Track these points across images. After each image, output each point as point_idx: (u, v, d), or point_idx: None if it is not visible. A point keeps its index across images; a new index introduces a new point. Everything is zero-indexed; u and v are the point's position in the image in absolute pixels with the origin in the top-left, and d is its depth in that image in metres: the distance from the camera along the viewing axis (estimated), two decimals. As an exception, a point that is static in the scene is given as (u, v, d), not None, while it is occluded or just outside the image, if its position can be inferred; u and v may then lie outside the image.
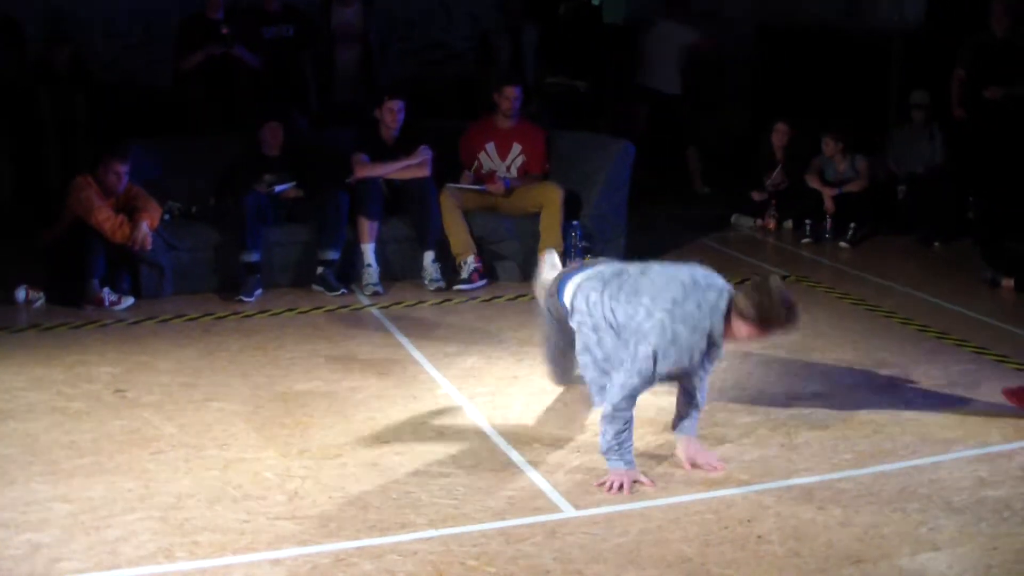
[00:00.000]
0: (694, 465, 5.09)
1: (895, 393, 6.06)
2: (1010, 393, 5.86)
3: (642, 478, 4.92)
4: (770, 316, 4.76)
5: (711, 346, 4.92)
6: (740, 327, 4.81)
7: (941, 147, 10.24)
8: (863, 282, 8.50)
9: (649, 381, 4.89)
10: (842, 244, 9.76)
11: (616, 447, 4.90)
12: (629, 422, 4.93)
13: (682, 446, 5.18)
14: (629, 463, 4.91)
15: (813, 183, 10.19)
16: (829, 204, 9.97)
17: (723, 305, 4.85)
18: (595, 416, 5.70)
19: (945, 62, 10.03)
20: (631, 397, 4.90)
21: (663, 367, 4.85)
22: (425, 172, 8.53)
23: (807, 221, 9.98)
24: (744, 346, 5.48)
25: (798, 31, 12.57)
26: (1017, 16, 9.43)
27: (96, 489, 4.88)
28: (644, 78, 11.77)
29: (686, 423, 5.19)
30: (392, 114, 8.54)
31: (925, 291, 8.13)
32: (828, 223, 9.95)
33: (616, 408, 4.88)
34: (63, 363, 6.60)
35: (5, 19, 10.06)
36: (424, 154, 8.54)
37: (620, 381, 4.90)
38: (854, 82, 11.81)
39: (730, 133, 12.45)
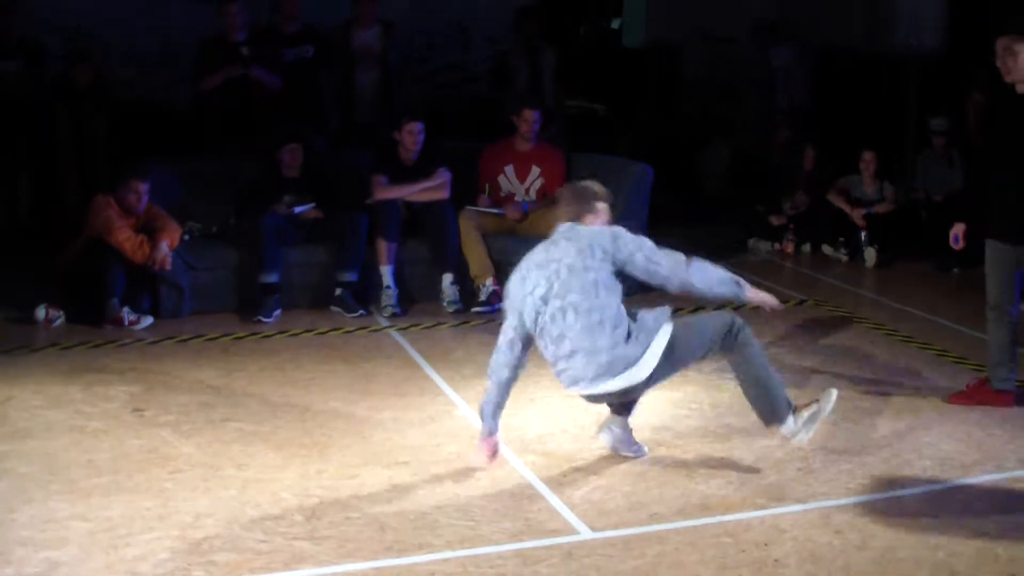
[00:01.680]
0: None
1: (913, 417, 6.04)
2: (956, 397, 6.26)
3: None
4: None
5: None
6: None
7: (960, 173, 10.24)
8: (881, 307, 8.49)
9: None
10: (867, 262, 9.84)
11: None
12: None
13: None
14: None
15: (838, 202, 10.21)
16: (861, 221, 10.00)
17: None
18: (612, 438, 5.71)
19: (963, 87, 10.03)
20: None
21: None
22: (444, 194, 8.56)
23: (841, 238, 10.00)
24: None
25: (817, 55, 12.56)
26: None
27: (114, 508, 4.90)
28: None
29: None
30: (412, 136, 8.57)
31: (944, 316, 8.12)
32: (863, 235, 9.98)
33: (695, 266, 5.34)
34: (82, 382, 6.63)
35: (26, 38, 10.13)
36: (443, 176, 8.57)
37: (654, 257, 5.27)
38: (874, 106, 11.81)
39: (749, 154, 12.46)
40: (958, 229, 6.35)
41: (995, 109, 6.61)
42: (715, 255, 10.01)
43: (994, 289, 6.26)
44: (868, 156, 10.29)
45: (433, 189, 8.54)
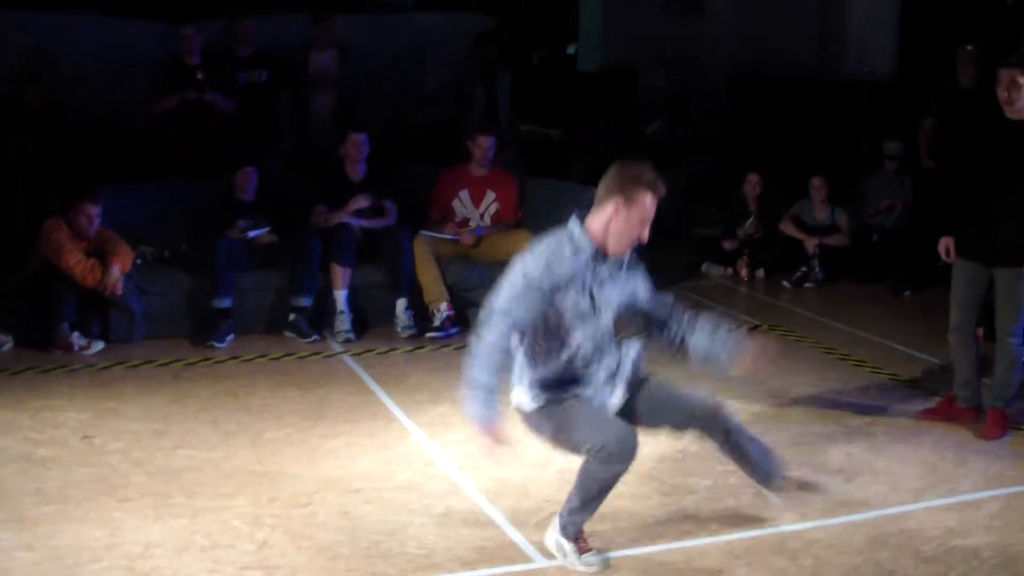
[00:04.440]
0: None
1: (866, 442, 6.07)
2: (925, 413, 6.42)
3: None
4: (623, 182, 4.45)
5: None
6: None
7: (910, 197, 10.33)
8: (835, 331, 8.53)
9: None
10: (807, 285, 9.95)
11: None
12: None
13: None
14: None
15: (789, 231, 10.27)
16: (814, 250, 10.06)
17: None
18: (566, 465, 5.69)
19: (914, 111, 10.12)
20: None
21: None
22: (389, 219, 8.60)
23: (803, 268, 10.06)
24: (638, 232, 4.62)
25: (770, 80, 12.65)
26: (983, 67, 9.52)
27: (62, 537, 4.82)
28: None
29: (697, 337, 4.77)
30: (356, 147, 8.61)
31: (896, 340, 8.17)
32: (816, 268, 10.04)
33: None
34: (30, 408, 6.55)
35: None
36: (389, 208, 8.63)
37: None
38: (825, 131, 11.90)
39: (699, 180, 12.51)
40: (947, 242, 6.34)
41: (964, 132, 6.67)
42: (670, 279, 10.19)
43: (957, 312, 6.31)
44: (817, 182, 10.34)
45: (369, 211, 8.59)
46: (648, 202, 4.47)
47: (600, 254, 4.49)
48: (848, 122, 11.93)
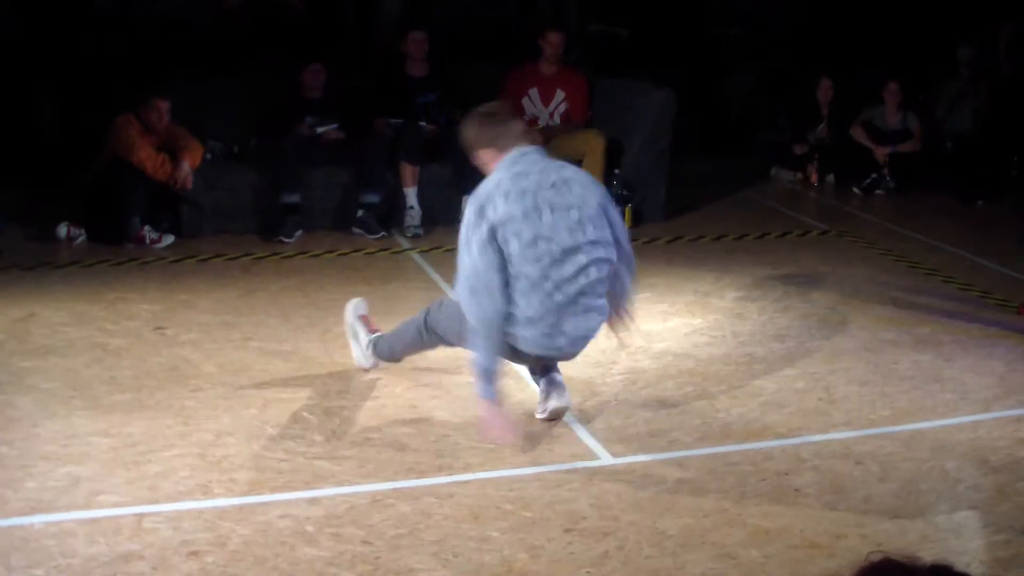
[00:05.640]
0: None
1: (935, 350, 6.01)
2: None
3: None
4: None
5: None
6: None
7: (986, 104, 10.13)
8: (905, 239, 8.43)
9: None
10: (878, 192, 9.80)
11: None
12: None
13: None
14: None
15: (859, 137, 10.12)
16: (884, 158, 9.90)
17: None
18: (632, 364, 5.71)
19: (992, 18, 9.88)
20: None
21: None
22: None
23: (873, 175, 9.91)
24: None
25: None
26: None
27: (136, 425, 4.92)
28: None
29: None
30: (417, 44, 8.61)
31: (968, 249, 8.06)
32: (886, 177, 9.89)
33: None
34: (104, 300, 6.65)
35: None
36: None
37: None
38: (899, 36, 11.64)
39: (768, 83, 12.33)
40: None
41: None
42: (739, 182, 10.11)
43: None
44: (894, 86, 10.14)
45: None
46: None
47: None
48: (922, 26, 11.66)
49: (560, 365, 5.10)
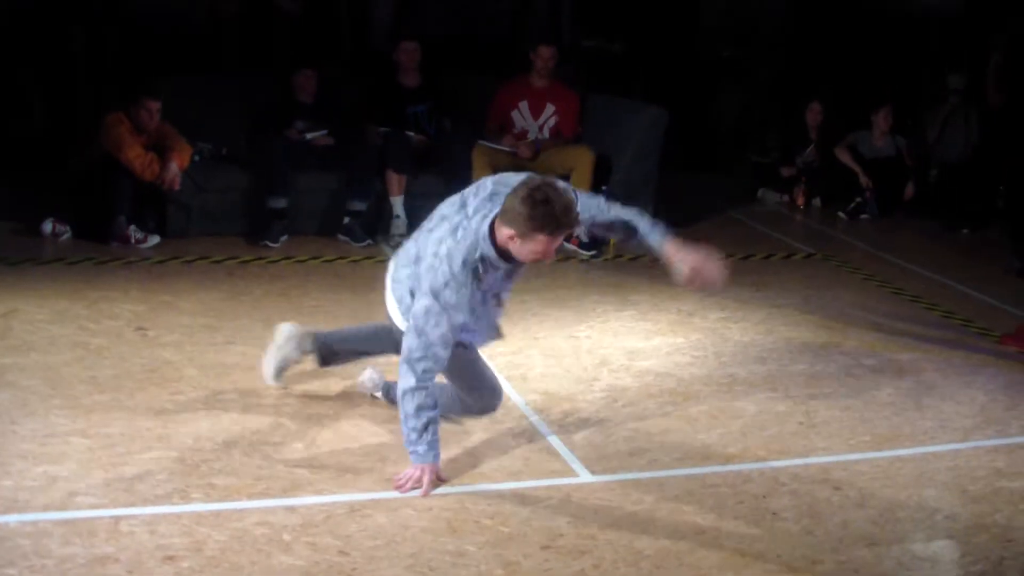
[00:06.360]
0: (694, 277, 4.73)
1: (916, 377, 6.03)
2: (1009, 338, 6.42)
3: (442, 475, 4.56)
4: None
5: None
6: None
7: (976, 133, 10.18)
8: (889, 264, 8.46)
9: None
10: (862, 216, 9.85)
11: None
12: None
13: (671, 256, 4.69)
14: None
15: (844, 158, 10.17)
16: (866, 180, 9.96)
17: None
18: (613, 381, 5.71)
19: (982, 47, 9.93)
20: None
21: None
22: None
23: (857, 199, 9.95)
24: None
25: (834, 9, 12.42)
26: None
27: (115, 425, 4.89)
28: None
29: (653, 237, 4.70)
30: (408, 55, 8.61)
31: (951, 277, 8.09)
32: (869, 197, 9.94)
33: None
34: (87, 298, 6.62)
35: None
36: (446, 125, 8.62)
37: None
38: (889, 63, 11.70)
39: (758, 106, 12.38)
40: None
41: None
42: (725, 203, 10.12)
43: None
44: (883, 113, 10.21)
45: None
46: (543, 240, 4.25)
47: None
48: (913, 54, 11.72)
49: (541, 381, 5.08)
